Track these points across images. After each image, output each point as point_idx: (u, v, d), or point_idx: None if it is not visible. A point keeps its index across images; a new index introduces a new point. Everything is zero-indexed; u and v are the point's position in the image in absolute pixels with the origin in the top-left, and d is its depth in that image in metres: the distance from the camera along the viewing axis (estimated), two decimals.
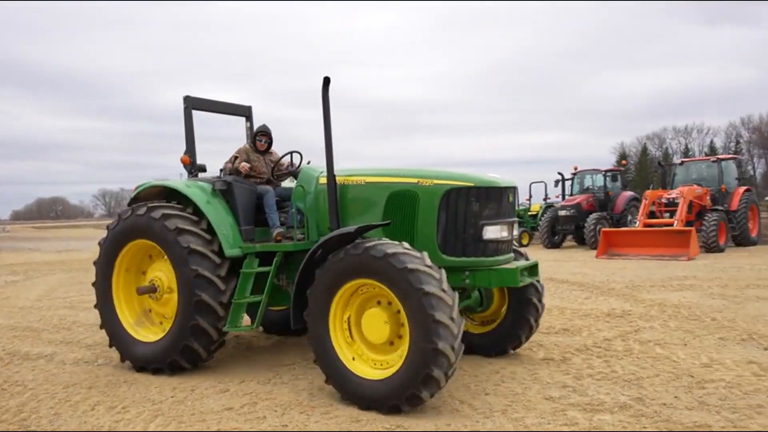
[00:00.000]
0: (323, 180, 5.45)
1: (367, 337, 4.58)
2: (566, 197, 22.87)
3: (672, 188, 19.18)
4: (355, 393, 4.51)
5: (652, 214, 17.78)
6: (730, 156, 22.10)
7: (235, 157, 6.36)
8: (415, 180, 5.13)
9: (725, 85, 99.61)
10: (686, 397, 4.60)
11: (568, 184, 23.54)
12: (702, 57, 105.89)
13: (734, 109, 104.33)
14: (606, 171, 23.03)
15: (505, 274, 4.98)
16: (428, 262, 4.35)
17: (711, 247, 16.75)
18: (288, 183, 6.51)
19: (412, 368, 4.20)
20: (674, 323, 7.35)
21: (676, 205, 17.21)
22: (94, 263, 6.14)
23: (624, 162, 43.69)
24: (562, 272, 13.17)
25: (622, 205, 21.89)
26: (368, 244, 4.44)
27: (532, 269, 5.36)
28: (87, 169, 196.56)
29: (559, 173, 23.89)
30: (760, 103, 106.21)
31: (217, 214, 5.74)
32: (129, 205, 6.18)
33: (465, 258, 4.99)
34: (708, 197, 18.31)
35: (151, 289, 5.84)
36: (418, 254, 4.39)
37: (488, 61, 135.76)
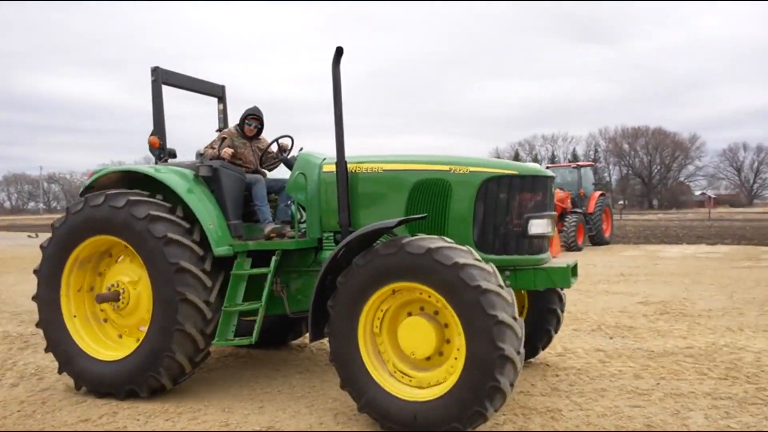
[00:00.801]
0: (328, 168, 4.77)
1: (407, 350, 3.85)
2: None
3: None
4: (399, 419, 3.77)
5: None
6: (588, 163, 24.07)
7: (223, 139, 5.50)
8: (446, 167, 4.48)
9: (587, 98, 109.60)
10: (542, 384, 4.94)
11: None
12: (568, 71, 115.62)
13: (594, 120, 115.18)
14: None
15: (554, 274, 4.36)
16: (477, 256, 3.77)
17: (570, 247, 18.06)
18: (273, 174, 5.85)
19: (473, 381, 3.54)
20: None
21: None
22: (35, 272, 5.06)
23: None
24: None
25: None
26: (404, 241, 3.76)
27: (575, 269, 4.61)
28: None
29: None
30: (616, 116, 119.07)
31: (203, 205, 4.84)
32: (81, 195, 5.17)
33: (506, 256, 4.35)
34: (569, 200, 19.72)
35: (113, 297, 4.84)
36: (464, 248, 3.77)
37: (371, 64, 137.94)
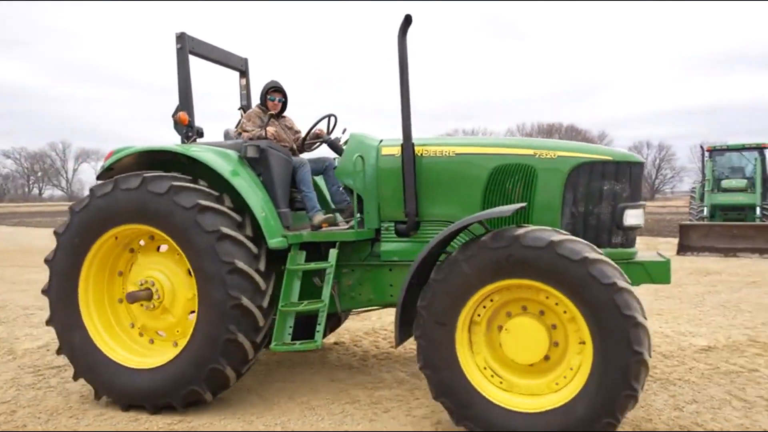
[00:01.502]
0: (388, 150, 4.38)
1: (510, 355, 3.49)
2: None
3: None
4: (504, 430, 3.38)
5: None
6: None
7: (256, 118, 4.94)
8: (530, 151, 4.14)
9: (507, 95, 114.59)
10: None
11: None
12: (488, 68, 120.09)
13: (513, 116, 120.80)
14: None
15: (652, 269, 3.94)
16: (599, 249, 3.41)
17: None
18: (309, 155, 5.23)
19: (606, 388, 3.18)
20: None
21: None
22: (47, 261, 4.43)
23: None
24: None
25: None
26: (516, 232, 3.34)
27: None
28: None
29: None
30: (534, 114, 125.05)
31: (253, 191, 4.29)
32: (99, 178, 4.58)
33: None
34: None
35: (146, 296, 4.26)
36: (584, 240, 3.42)
37: None
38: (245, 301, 3.92)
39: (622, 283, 3.18)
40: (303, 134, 5.23)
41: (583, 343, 3.33)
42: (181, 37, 4.77)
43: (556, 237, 3.29)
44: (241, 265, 3.92)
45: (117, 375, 4.20)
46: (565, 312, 3.37)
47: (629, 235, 4.15)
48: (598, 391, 3.20)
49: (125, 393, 4.18)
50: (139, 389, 4.13)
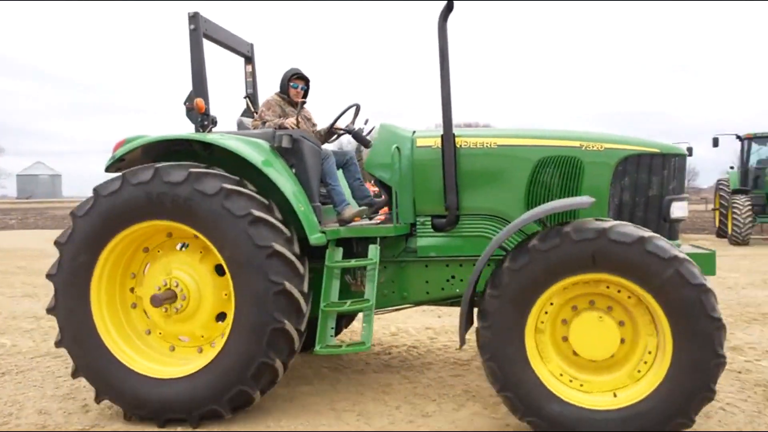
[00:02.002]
0: (423, 142, 4.23)
1: (579, 351, 3.44)
2: None
3: None
4: (573, 428, 3.33)
5: None
6: None
7: (276, 107, 4.69)
8: (576, 143, 4.07)
9: None
10: (375, 362, 5.22)
11: None
12: None
13: None
14: None
15: (699, 261, 3.63)
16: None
17: None
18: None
19: (681, 389, 3.20)
20: None
21: None
22: (50, 276, 3.96)
23: None
24: None
25: None
26: (602, 225, 3.28)
27: None
28: None
29: None
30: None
31: (289, 184, 4.01)
32: (108, 170, 4.24)
33: None
34: None
35: (170, 297, 3.89)
36: (665, 239, 3.35)
37: None
38: (288, 285, 3.65)
39: (708, 285, 3.18)
40: (319, 126, 4.98)
41: (652, 335, 3.34)
42: (195, 18, 4.36)
43: (644, 233, 3.25)
44: (279, 247, 3.66)
45: (143, 388, 3.82)
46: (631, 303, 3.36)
47: (674, 227, 4.16)
48: (675, 391, 3.21)
49: (154, 407, 3.80)
50: (172, 400, 3.77)
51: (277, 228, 3.73)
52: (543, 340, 3.50)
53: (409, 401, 4.22)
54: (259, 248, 3.61)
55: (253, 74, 5.39)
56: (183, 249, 4.14)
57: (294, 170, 4.21)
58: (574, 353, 3.47)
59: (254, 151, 4.02)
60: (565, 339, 3.50)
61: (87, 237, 3.85)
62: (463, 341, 3.61)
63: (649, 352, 3.38)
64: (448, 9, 3.97)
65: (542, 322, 3.50)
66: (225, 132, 4.49)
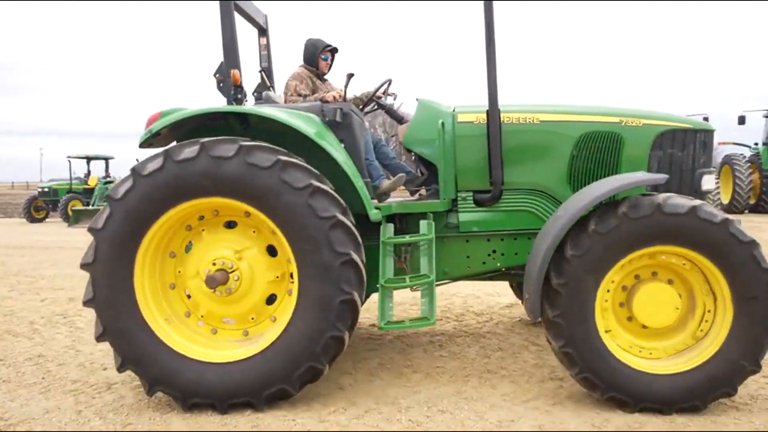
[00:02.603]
0: (465, 117, 4.25)
1: (642, 320, 3.61)
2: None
3: None
4: (652, 395, 3.50)
5: None
6: None
7: (305, 80, 4.60)
8: (616, 119, 4.24)
9: None
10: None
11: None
12: None
13: None
14: None
15: None
16: None
17: None
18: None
19: (739, 347, 3.45)
20: None
21: None
22: (86, 266, 3.62)
23: None
24: None
25: None
26: (656, 201, 3.42)
27: None
28: None
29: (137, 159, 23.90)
30: None
31: (345, 159, 3.91)
32: (142, 146, 4.02)
33: None
34: None
35: (223, 279, 3.66)
36: (709, 204, 3.58)
37: None
38: (354, 255, 3.56)
39: (755, 241, 3.39)
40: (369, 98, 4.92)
41: (708, 295, 3.56)
42: None
43: (695, 202, 3.43)
44: (341, 217, 3.55)
45: (203, 375, 3.60)
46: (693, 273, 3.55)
47: (704, 199, 4.34)
48: (739, 343, 3.44)
49: (218, 392, 3.59)
50: (236, 384, 3.59)
51: (336, 199, 3.62)
52: (608, 316, 3.65)
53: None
54: (322, 219, 3.51)
55: (267, 47, 5.18)
56: (231, 228, 3.89)
57: (343, 144, 4.10)
58: (642, 326, 3.63)
59: (309, 126, 3.87)
60: (630, 318, 3.66)
61: (128, 221, 3.57)
62: (535, 316, 3.62)
63: (709, 311, 3.60)
64: None
65: (606, 300, 3.64)
66: (269, 105, 4.28)
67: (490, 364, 4.50)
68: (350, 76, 4.53)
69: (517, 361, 4.58)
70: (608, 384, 3.51)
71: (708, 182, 4.37)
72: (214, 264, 3.69)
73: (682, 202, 3.43)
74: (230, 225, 3.86)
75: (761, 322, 3.41)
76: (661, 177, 3.70)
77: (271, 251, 3.80)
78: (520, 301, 6.06)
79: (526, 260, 4.17)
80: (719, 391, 3.49)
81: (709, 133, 4.45)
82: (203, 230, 3.82)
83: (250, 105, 4.41)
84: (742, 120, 17.55)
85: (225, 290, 3.70)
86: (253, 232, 3.80)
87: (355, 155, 4.13)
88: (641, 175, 3.81)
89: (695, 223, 3.38)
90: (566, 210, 3.62)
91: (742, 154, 18.64)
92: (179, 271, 3.85)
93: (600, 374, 3.50)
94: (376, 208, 3.97)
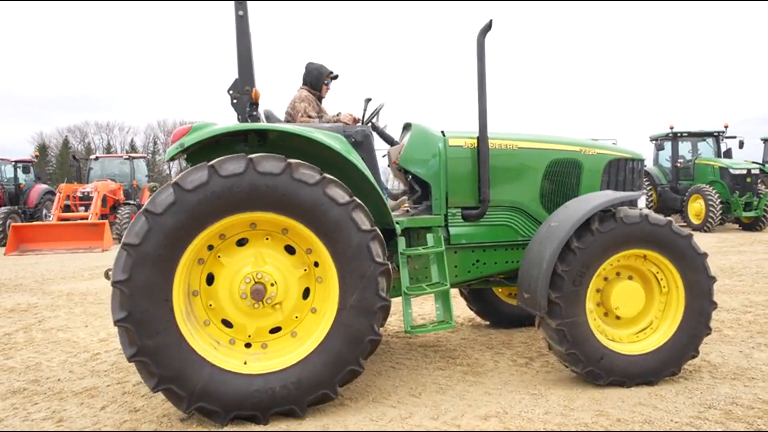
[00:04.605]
0: (455, 141, 4.75)
1: (616, 311, 4.37)
2: None
3: (88, 182, 20.49)
4: (621, 371, 4.25)
5: (67, 208, 18.26)
6: (141, 155, 24.97)
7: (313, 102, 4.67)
8: (578, 148, 5.02)
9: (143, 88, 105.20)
10: (80, 369, 5.11)
11: None
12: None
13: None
14: (17, 161, 22.07)
15: None
16: None
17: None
18: None
19: (691, 331, 4.33)
20: (79, 309, 7.92)
21: (91, 198, 18.35)
22: (118, 284, 3.46)
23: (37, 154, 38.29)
24: None
25: (36, 198, 21.70)
26: (643, 213, 4.25)
27: None
28: None
29: None
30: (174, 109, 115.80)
31: (371, 176, 4.15)
32: (170, 160, 4.06)
33: None
34: (121, 192, 20.33)
35: (259, 293, 3.71)
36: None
37: None
38: (386, 261, 3.86)
39: (705, 252, 4.37)
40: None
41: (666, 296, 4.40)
42: (242, 5, 4.17)
43: (667, 218, 4.34)
44: (377, 231, 3.85)
45: (229, 385, 3.65)
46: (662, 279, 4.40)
47: None
48: (688, 332, 4.33)
49: (255, 402, 3.67)
50: (274, 394, 3.69)
51: (369, 213, 3.89)
52: (590, 303, 4.34)
53: None
54: (364, 232, 3.76)
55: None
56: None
57: (365, 163, 4.36)
58: (613, 313, 4.39)
59: (339, 145, 4.10)
60: (599, 304, 4.42)
61: (170, 236, 3.52)
62: (542, 309, 4.16)
63: (666, 304, 4.44)
64: (488, 27, 4.52)
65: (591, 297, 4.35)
66: (285, 124, 4.42)
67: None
68: (368, 100, 4.84)
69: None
70: (589, 360, 4.19)
71: (641, 202, 5.22)
72: (247, 282, 3.76)
73: (659, 216, 4.32)
74: (241, 243, 3.91)
75: (707, 300, 4.34)
76: (639, 194, 4.70)
77: (289, 250, 3.95)
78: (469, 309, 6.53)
79: (503, 268, 4.92)
80: (668, 371, 4.33)
81: (641, 161, 5.49)
82: (219, 256, 3.83)
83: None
84: (741, 144, 19.86)
85: (266, 301, 3.79)
86: (267, 239, 3.90)
87: (374, 173, 4.46)
88: (622, 193, 4.55)
89: (668, 232, 4.28)
90: (564, 219, 4.29)
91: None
92: (210, 305, 3.83)
93: (584, 351, 4.18)
94: (397, 222, 4.33)
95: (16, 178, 21.46)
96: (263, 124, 4.14)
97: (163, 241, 3.51)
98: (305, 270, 3.92)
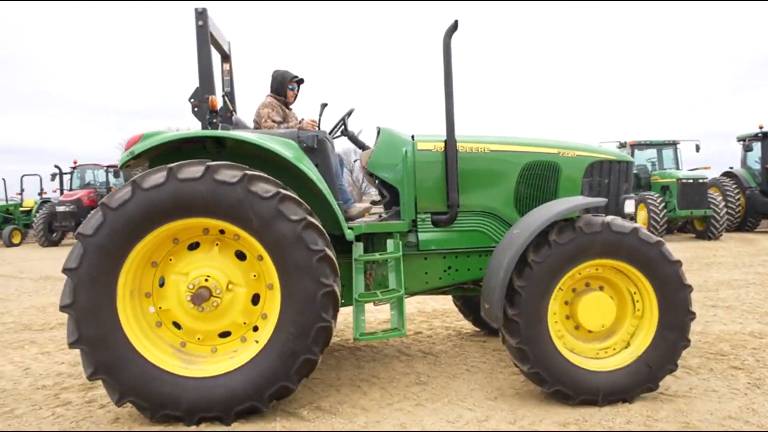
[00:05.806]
0: (423, 145, 4.62)
1: (584, 324, 4.07)
2: (65, 192, 22.57)
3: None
4: (591, 389, 3.96)
5: None
6: None
7: (276, 107, 4.79)
8: (555, 150, 4.78)
9: None
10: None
11: (66, 178, 23.20)
12: None
13: None
14: (108, 167, 23.22)
15: None
16: None
17: None
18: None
19: (664, 346, 4.02)
20: None
21: None
22: (68, 270, 3.62)
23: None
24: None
25: None
26: (605, 220, 3.95)
27: None
28: None
29: (56, 166, 23.23)
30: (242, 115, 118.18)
31: (322, 183, 4.17)
32: (122, 167, 4.13)
33: None
34: None
35: (206, 296, 3.78)
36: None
37: None
38: (335, 286, 3.78)
39: (679, 260, 4.00)
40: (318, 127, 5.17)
41: (639, 311, 4.10)
42: (203, 14, 4.27)
43: (632, 225, 3.97)
44: (328, 250, 3.78)
45: (177, 388, 3.72)
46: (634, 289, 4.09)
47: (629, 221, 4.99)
48: (660, 347, 4.01)
49: (191, 406, 3.72)
50: (210, 399, 3.72)
51: (322, 231, 3.85)
52: (555, 320, 4.09)
53: None
54: (312, 252, 3.71)
55: (230, 72, 5.33)
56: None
57: (319, 169, 4.37)
58: (582, 327, 4.09)
59: (288, 150, 4.12)
60: (569, 317, 4.14)
61: (121, 230, 3.62)
62: (499, 322, 3.95)
63: (641, 317, 4.13)
64: (454, 27, 4.37)
65: (554, 313, 4.07)
66: (245, 131, 4.48)
67: (363, 374, 4.82)
68: (324, 105, 4.84)
69: (387, 368, 4.95)
70: (555, 379, 3.93)
71: (629, 206, 4.97)
72: (189, 288, 3.81)
73: (624, 223, 3.99)
74: (193, 246, 3.97)
75: (680, 313, 3.99)
76: (602, 200, 4.25)
77: (240, 256, 3.96)
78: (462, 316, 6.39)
79: (477, 275, 4.69)
80: (643, 387, 4.03)
81: (630, 164, 5.11)
82: (171, 259, 3.92)
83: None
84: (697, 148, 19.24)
85: (211, 305, 3.83)
86: (216, 245, 3.93)
87: (328, 179, 4.43)
88: (585, 199, 4.27)
89: (634, 240, 3.94)
90: (524, 227, 4.03)
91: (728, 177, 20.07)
92: (160, 307, 3.92)
93: (549, 370, 3.92)
94: (349, 228, 4.27)
95: (107, 182, 23.03)
96: (212, 131, 4.15)
97: (114, 235, 3.61)
98: (254, 276, 3.92)
